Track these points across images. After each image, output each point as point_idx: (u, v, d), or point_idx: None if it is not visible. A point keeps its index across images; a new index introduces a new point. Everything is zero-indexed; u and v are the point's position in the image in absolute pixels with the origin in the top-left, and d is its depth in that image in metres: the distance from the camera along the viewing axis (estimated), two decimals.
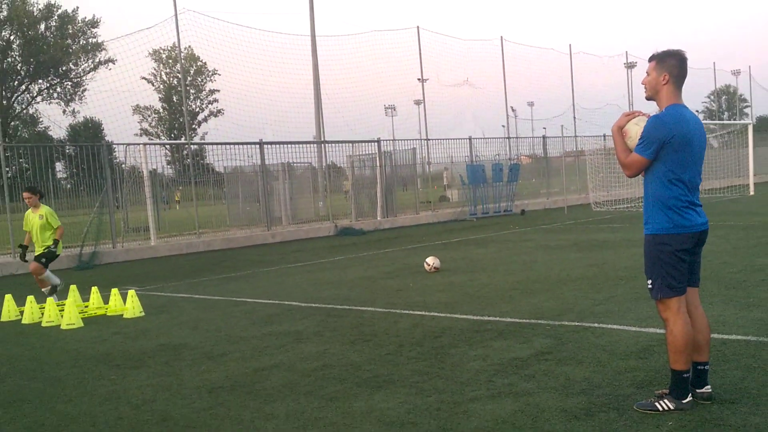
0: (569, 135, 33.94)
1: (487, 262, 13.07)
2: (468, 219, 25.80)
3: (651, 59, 4.62)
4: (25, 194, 11.21)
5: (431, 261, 11.90)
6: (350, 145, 26.27)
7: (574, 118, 35.67)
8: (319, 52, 29.89)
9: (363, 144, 26.24)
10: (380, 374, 5.94)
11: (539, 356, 6.03)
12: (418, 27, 29.29)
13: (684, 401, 4.49)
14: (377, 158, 25.39)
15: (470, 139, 28.39)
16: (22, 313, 9.90)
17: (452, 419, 4.71)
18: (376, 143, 25.50)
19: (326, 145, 27.02)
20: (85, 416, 5.37)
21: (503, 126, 36.86)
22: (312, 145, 27.23)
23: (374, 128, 30.67)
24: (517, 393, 5.12)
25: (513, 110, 32.93)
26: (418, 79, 31.73)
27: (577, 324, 7.20)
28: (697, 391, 4.62)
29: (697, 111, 79.15)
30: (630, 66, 43.81)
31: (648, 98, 4.68)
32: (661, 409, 4.47)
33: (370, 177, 26.05)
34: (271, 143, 23.31)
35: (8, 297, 10.29)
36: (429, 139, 28.80)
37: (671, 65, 4.53)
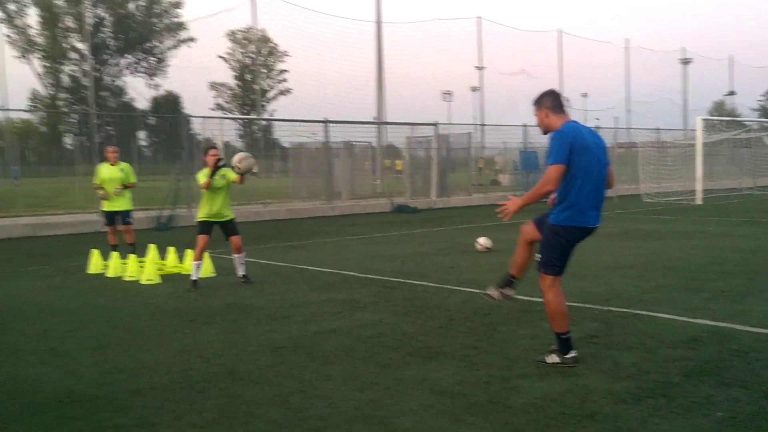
0: (622, 127, 33.10)
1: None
2: None
3: (532, 104, 5.24)
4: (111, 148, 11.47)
5: (483, 241, 11.76)
6: (409, 126, 26.14)
7: (628, 110, 34.76)
8: (383, 38, 29.70)
9: (420, 126, 26.08)
10: (431, 345, 5.89)
11: (587, 339, 5.89)
12: (479, 17, 28.90)
13: (567, 356, 5.11)
14: (434, 140, 25.19)
15: (524, 126, 27.93)
16: (106, 267, 10.16)
17: (501, 393, 4.64)
18: (433, 126, 25.30)
19: (386, 125, 26.93)
20: (160, 365, 5.46)
21: None
22: (372, 125, 27.18)
23: (430, 112, 30.59)
24: (565, 373, 5.01)
25: (567, 100, 32.10)
26: (476, 67, 31.38)
27: (624, 310, 7.01)
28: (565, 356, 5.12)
29: (752, 109, 76.29)
30: (685, 62, 42.36)
31: (544, 133, 5.25)
32: (549, 361, 5.16)
33: (425, 158, 25.88)
34: (334, 122, 23.35)
35: (95, 252, 10.56)
36: (484, 125, 28.45)
37: (545, 101, 5.14)
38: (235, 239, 9.08)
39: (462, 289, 8.46)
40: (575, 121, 5.17)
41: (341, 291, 8.49)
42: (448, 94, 45.33)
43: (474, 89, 38.40)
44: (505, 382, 4.87)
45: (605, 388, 4.67)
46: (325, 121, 22.92)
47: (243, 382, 5.00)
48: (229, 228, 9.13)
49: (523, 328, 6.43)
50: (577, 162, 4.92)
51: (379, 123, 27.75)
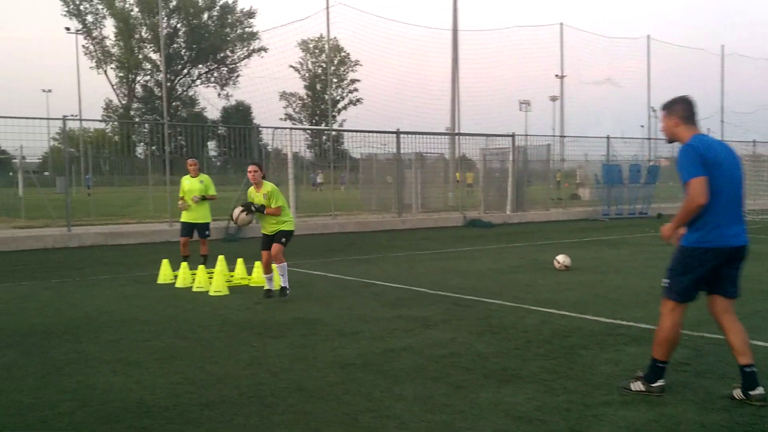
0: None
1: (620, 263, 12.55)
2: (600, 219, 24.91)
3: (662, 108, 5.09)
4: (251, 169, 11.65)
5: (562, 259, 11.56)
6: (483, 138, 25.98)
7: (722, 121, 33.61)
8: (459, 46, 29.71)
9: (496, 138, 25.88)
10: (508, 368, 5.82)
11: (676, 367, 5.69)
12: (561, 24, 28.53)
13: (653, 385, 4.98)
14: (511, 152, 24.96)
15: (608, 138, 27.35)
16: (176, 277, 10.47)
17: (582, 422, 4.53)
18: (510, 137, 25.09)
19: (459, 136, 26.86)
20: (229, 378, 5.58)
21: (642, 126, 35.28)
22: (444, 136, 27.15)
23: (506, 122, 30.31)
24: (651, 402, 4.86)
25: (654, 110, 31.33)
26: (557, 76, 30.94)
27: (718, 336, 6.74)
28: (750, 393, 4.77)
29: None
30: None
31: (669, 141, 5.15)
32: (633, 389, 5.02)
33: (500, 171, 25.66)
34: (407, 133, 23.42)
35: (165, 262, 10.91)
36: (564, 136, 28.03)
37: (677, 109, 4.98)
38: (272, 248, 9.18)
39: (540, 309, 8.32)
40: (705, 134, 5.00)
41: (412, 307, 8.49)
42: (525, 104, 44.93)
43: (554, 99, 37.86)
44: (586, 409, 4.76)
45: (696, 419, 4.50)
46: (398, 132, 23.04)
47: (312, 399, 5.06)
48: (272, 239, 9.25)
49: (606, 352, 6.27)
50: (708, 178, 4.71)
51: (454, 134, 27.71)
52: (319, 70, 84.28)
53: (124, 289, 10.15)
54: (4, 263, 13.24)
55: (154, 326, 7.56)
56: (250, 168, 9.23)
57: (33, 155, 30.13)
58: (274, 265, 9.20)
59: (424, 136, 24.53)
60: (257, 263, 10.63)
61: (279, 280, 9.23)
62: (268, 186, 9.20)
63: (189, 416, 4.71)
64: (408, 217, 23.13)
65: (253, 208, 9.12)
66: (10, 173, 30.50)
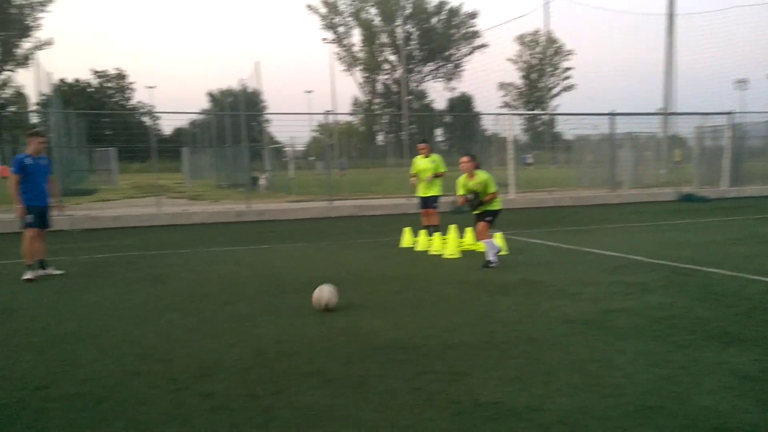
0: None
1: None
2: None
3: None
4: (420, 146, 12.14)
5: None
6: (698, 116, 23.70)
7: None
8: (675, 29, 27.24)
9: (711, 116, 23.49)
10: (730, 331, 5.35)
11: None
12: None
13: None
14: (728, 129, 22.52)
15: None
16: (416, 242, 10.92)
17: None
18: (727, 115, 22.63)
19: (671, 116, 24.76)
20: (466, 326, 5.76)
21: None
22: (654, 116, 25.19)
23: (720, 101, 27.31)
24: None
25: None
26: None
27: None
28: None
29: None
30: None
31: None
32: None
33: (714, 148, 23.27)
34: (621, 114, 22.11)
35: (406, 229, 11.43)
36: None
37: None
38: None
39: (763, 278, 7.51)
40: None
41: (629, 274, 8.09)
42: (742, 83, 40.21)
43: None
44: None
45: None
46: (612, 114, 21.82)
47: (541, 348, 5.06)
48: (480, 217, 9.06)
49: None
50: None
51: (669, 114, 25.61)
52: (535, 61, 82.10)
53: (375, 251, 10.79)
54: (282, 229, 14.68)
55: (402, 281, 7.97)
56: (463, 159, 9.04)
57: (300, 144, 32.97)
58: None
59: (635, 116, 22.98)
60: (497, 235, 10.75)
61: (487, 254, 8.92)
62: (481, 175, 8.95)
63: (436, 354, 4.94)
64: (621, 193, 21.89)
65: (474, 202, 8.88)
66: (283, 159, 33.58)
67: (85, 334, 5.73)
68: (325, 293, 6.42)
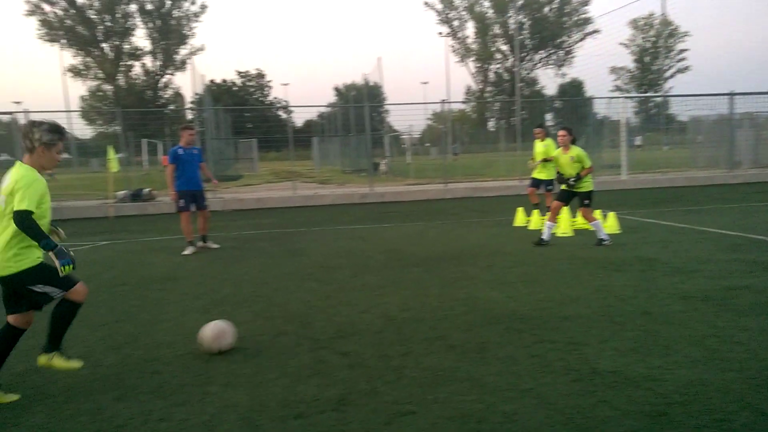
0: None
1: None
2: None
3: None
4: (560, 132, 11.77)
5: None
6: None
7: None
8: None
9: None
10: None
11: None
12: None
13: None
14: None
15: None
16: (528, 221, 10.68)
17: None
18: None
19: None
20: (581, 300, 5.59)
21: None
22: None
23: None
24: None
25: None
26: None
27: None
28: None
29: None
30: None
31: None
32: None
33: None
34: (741, 94, 20.29)
35: (519, 209, 11.21)
36: None
37: None
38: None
39: None
40: None
41: (750, 252, 7.48)
42: None
43: None
44: None
45: None
46: (731, 94, 20.09)
47: (657, 322, 4.82)
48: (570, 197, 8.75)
49: None
50: None
51: None
52: (648, 45, 77.13)
53: (489, 229, 10.68)
54: (402, 210, 14.86)
55: (517, 257, 7.85)
56: (560, 133, 8.69)
57: (416, 131, 33.08)
58: (562, 218, 9.01)
59: (756, 96, 20.97)
60: (596, 212, 10.32)
61: (597, 233, 8.55)
62: (575, 150, 8.56)
63: (552, 325, 4.85)
64: (739, 173, 20.17)
65: (570, 183, 8.55)
66: (402, 146, 33.87)
67: (239, 298, 6.15)
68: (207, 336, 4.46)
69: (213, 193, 17.20)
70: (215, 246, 9.58)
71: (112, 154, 13.11)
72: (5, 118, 20.60)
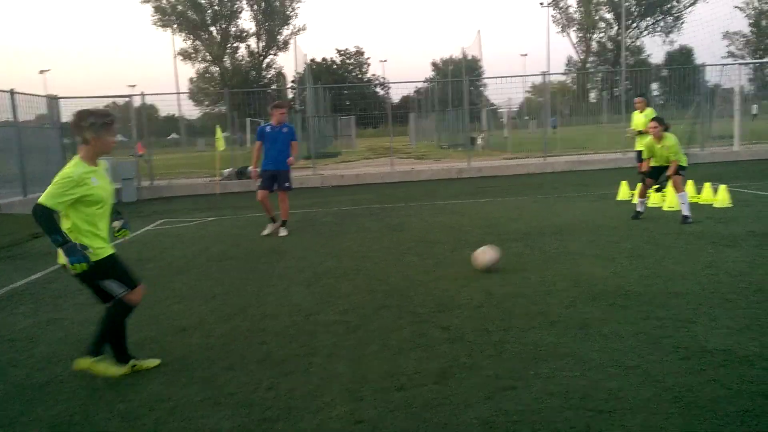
0: None
1: None
2: None
3: None
4: (637, 100, 11.18)
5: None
6: None
7: None
8: None
9: None
10: None
11: None
12: None
13: None
14: None
15: None
16: (632, 195, 10.15)
17: None
18: None
19: None
20: (690, 275, 5.29)
21: None
22: None
23: None
24: None
25: None
26: None
27: None
28: None
29: None
30: None
31: None
32: None
33: None
34: None
35: (623, 183, 10.67)
36: None
37: None
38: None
39: None
40: None
41: None
42: None
43: None
44: None
45: None
46: None
47: None
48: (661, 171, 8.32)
49: None
50: None
51: None
52: (766, 7, 70.12)
53: (592, 204, 10.27)
54: (500, 184, 14.57)
55: (621, 232, 7.52)
56: (650, 125, 8.14)
57: (515, 105, 32.14)
58: (659, 193, 8.54)
59: None
60: (706, 184, 9.66)
61: (681, 208, 8.03)
62: (670, 140, 8.03)
63: (659, 301, 4.63)
64: None
65: (658, 185, 8.25)
66: (500, 119, 33.06)
67: (341, 272, 6.31)
68: (487, 256, 5.82)
69: (314, 169, 17.69)
70: (284, 233, 8.74)
71: (219, 134, 13.70)
72: (121, 101, 22.11)
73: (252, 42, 73.65)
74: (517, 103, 33.74)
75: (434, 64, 78.90)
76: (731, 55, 71.53)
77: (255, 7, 72.12)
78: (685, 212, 7.96)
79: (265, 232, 8.88)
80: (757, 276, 5.13)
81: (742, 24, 73.02)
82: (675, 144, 8.10)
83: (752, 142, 20.14)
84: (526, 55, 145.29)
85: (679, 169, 8.09)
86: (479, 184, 14.79)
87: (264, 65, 75.20)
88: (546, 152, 18.46)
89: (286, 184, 8.82)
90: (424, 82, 47.12)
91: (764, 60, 55.75)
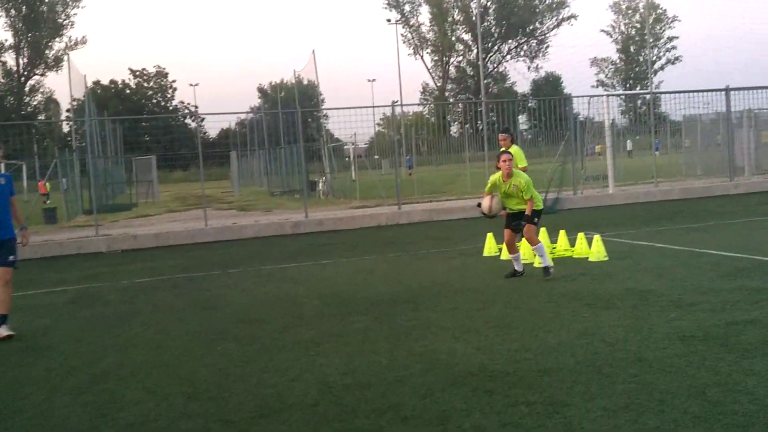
0: None
1: None
2: None
3: None
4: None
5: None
6: None
7: None
8: None
9: None
10: None
11: None
12: None
13: None
14: None
15: None
16: (500, 250, 10.79)
17: None
18: None
19: None
20: (564, 347, 5.67)
21: None
22: None
23: None
24: None
25: None
26: None
27: None
28: None
29: None
30: None
31: None
32: None
33: None
34: (739, 89, 21.30)
35: (489, 235, 11.27)
36: None
37: None
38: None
39: None
40: None
41: (755, 278, 7.79)
42: None
43: None
44: None
45: None
46: (727, 89, 21.05)
47: (652, 370, 4.93)
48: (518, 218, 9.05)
49: None
50: None
51: None
52: (633, 32, 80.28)
53: (453, 261, 10.76)
54: (344, 240, 14.83)
55: (486, 296, 7.93)
56: (503, 158, 8.86)
57: (363, 141, 33.26)
58: (521, 245, 9.23)
59: (757, 91, 22.07)
60: (580, 235, 10.58)
61: (538, 261, 8.94)
62: (520, 177, 8.83)
63: (529, 381, 4.89)
64: (741, 181, 21.08)
65: (522, 222, 8.88)
66: (345, 158, 33.93)
67: (127, 371, 5.90)
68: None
69: (97, 228, 16.74)
70: (7, 333, 7.34)
71: None
72: None
73: (9, 57, 69.43)
74: (366, 138, 34.99)
75: (261, 90, 79.70)
76: (601, 84, 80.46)
77: (13, 12, 68.27)
78: (545, 263, 8.67)
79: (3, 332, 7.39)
80: (634, 343, 5.63)
81: (610, 49, 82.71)
82: (527, 181, 8.78)
83: (627, 183, 22.60)
84: (374, 80, 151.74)
85: (534, 215, 8.77)
86: (319, 241, 14.93)
87: (27, 88, 71.01)
88: (400, 199, 19.18)
89: (11, 258, 7.53)
90: (248, 112, 47.27)
91: (635, 92, 63.35)
